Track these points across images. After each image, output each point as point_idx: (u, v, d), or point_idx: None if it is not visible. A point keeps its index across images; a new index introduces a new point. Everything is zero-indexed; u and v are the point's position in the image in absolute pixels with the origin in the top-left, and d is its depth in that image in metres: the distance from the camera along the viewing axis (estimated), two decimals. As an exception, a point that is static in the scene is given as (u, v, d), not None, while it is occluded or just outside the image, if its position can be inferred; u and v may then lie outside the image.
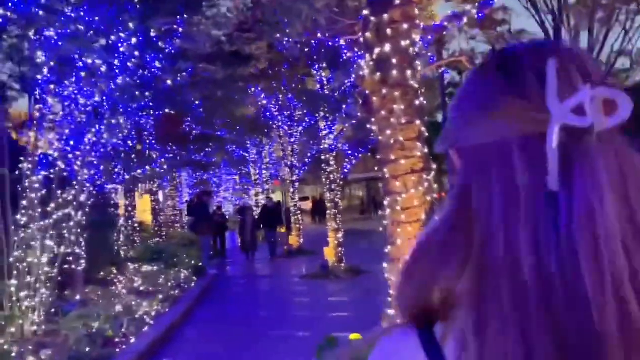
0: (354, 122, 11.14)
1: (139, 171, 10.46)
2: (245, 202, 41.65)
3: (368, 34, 4.34)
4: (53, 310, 5.97)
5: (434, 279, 0.55)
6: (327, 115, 11.37)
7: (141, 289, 9.43)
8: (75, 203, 7.47)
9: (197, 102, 10.56)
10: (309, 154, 17.53)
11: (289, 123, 17.12)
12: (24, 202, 5.51)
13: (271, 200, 17.40)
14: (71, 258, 7.87)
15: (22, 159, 5.46)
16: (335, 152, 11.66)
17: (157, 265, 12.19)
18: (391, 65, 4.30)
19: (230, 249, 18.48)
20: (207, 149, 27.03)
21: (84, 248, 8.17)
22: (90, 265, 8.98)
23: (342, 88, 11.18)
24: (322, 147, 11.63)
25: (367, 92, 4.53)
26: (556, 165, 0.49)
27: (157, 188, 16.89)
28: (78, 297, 7.76)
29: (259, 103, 17.16)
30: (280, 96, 16.37)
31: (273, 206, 16.53)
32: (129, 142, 12.11)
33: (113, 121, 6.31)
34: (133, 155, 11.59)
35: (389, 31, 4.23)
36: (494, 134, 0.53)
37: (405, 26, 4.25)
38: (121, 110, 6.53)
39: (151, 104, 9.84)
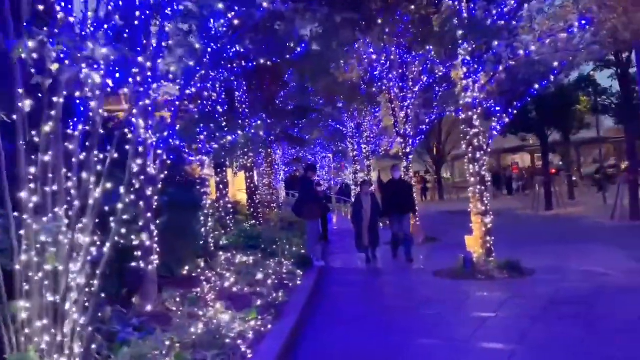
0: (512, 63, 8.11)
1: (228, 138, 8.19)
2: (344, 180, 39.04)
3: None
4: (94, 345, 3.70)
5: None
6: (469, 58, 8.42)
7: (234, 289, 7.20)
8: (143, 176, 5.26)
9: (302, 46, 8.04)
10: (427, 120, 14.63)
11: (400, 83, 14.28)
12: (33, 170, 3.25)
13: (397, 169, 11.32)
14: (139, 252, 5.71)
15: (20, 90, 3.16)
16: (479, 109, 8.69)
17: (254, 254, 10.02)
18: None
19: (330, 232, 16.13)
20: (301, 122, 24.77)
21: (156, 239, 6.00)
22: (168, 260, 6.86)
23: (494, 18, 8.18)
24: (461, 101, 8.71)
25: None
26: None
27: (252, 164, 14.79)
28: (149, 308, 5.59)
29: (366, 60, 14.44)
30: (392, 49, 13.55)
31: (401, 181, 11.30)
32: (218, 108, 9.96)
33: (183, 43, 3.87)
34: (223, 120, 9.38)
35: None
36: None
37: None
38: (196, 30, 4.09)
39: (240, 48, 7.43)
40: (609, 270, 8.03)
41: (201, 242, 8.18)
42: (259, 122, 8.70)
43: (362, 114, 22.13)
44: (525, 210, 20.05)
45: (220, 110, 10.45)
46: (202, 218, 7.78)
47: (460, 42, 8.29)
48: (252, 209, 14.34)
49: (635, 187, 14.31)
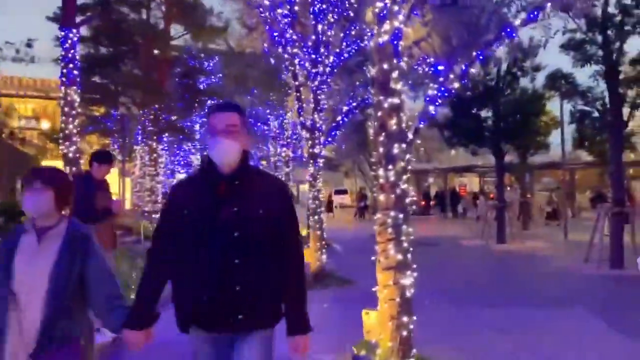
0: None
1: None
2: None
3: None
4: None
5: None
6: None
7: None
8: None
9: None
10: (345, 109, 10.24)
11: (313, 55, 9.87)
12: None
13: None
14: None
15: None
16: (404, 58, 4.37)
17: None
18: None
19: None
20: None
21: None
22: None
23: None
24: (371, 43, 4.36)
25: None
26: None
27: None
28: None
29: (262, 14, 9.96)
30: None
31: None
32: None
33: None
34: None
35: None
36: None
37: None
38: None
39: None
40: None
41: None
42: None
43: (281, 106, 17.71)
44: (471, 241, 16.07)
45: None
46: None
47: None
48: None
49: (621, 226, 10.43)
